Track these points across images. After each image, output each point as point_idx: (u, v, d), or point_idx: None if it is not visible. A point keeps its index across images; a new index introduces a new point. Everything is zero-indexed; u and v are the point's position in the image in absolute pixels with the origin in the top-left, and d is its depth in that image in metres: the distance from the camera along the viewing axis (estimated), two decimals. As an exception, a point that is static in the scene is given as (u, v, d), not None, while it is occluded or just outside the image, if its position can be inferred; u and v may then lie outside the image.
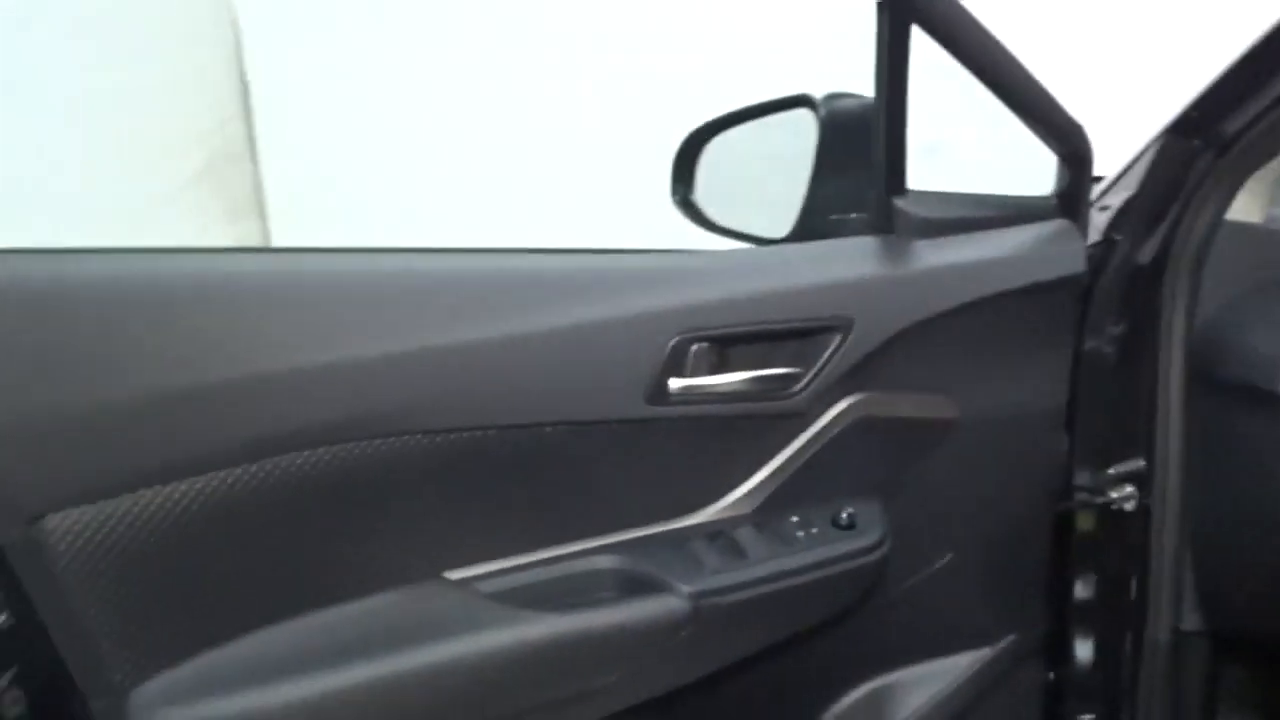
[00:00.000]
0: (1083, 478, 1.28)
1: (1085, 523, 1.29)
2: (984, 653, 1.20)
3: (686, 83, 2.54)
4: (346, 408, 0.87)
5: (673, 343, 0.96)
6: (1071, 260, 1.08)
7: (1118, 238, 1.28)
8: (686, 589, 0.96)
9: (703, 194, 1.34)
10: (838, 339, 1.01)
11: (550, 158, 3.16)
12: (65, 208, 2.40)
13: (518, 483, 0.96)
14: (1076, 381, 1.28)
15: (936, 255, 1.06)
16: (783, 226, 1.21)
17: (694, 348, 0.98)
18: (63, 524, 0.79)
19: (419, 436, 0.90)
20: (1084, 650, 1.30)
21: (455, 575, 0.96)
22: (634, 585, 0.98)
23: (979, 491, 1.16)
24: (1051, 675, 1.34)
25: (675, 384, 0.98)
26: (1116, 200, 1.29)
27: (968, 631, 1.20)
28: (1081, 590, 1.30)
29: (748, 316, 0.99)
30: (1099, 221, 1.32)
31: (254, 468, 0.85)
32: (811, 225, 1.19)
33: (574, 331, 0.93)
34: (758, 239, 1.26)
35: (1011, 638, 1.21)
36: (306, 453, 0.87)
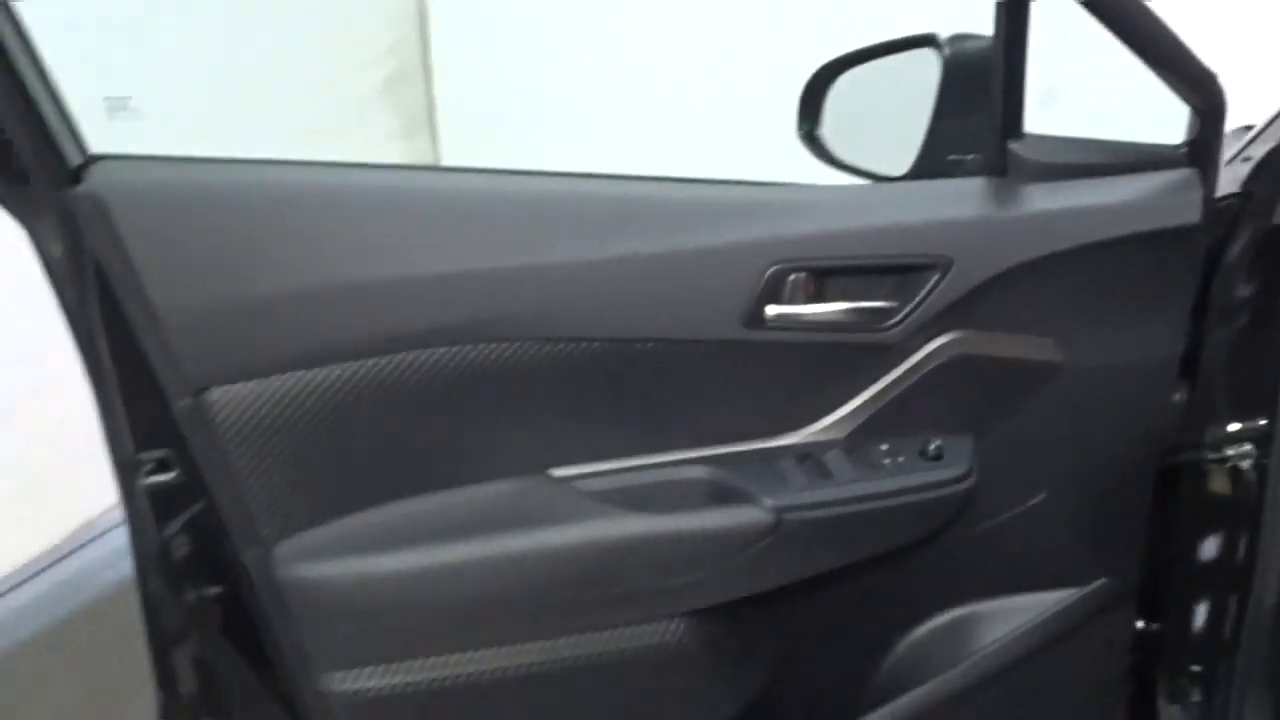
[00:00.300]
0: (1199, 433, 1.27)
1: (1197, 478, 1.29)
2: (1071, 593, 1.23)
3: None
4: (470, 312, 0.98)
5: (770, 271, 1.01)
6: (1188, 210, 1.07)
7: (1255, 191, 1.25)
8: (770, 502, 1.03)
9: (828, 130, 1.37)
10: (935, 277, 1.05)
11: (721, 87, 3.18)
12: (251, 123, 2.61)
13: (621, 393, 1.04)
14: (1200, 335, 1.26)
15: (1046, 199, 1.07)
16: (902, 165, 1.24)
17: (791, 277, 1.03)
18: (224, 398, 0.93)
19: (534, 344, 1.00)
20: (1182, 606, 1.31)
21: (559, 473, 1.06)
22: (721, 495, 1.06)
23: (1079, 436, 1.18)
24: (1143, 626, 1.35)
25: (772, 311, 1.03)
26: (1259, 152, 1.26)
27: (1056, 571, 1.23)
28: (1184, 545, 1.30)
29: (845, 250, 1.03)
30: (1240, 173, 1.29)
31: (389, 360, 0.97)
32: (929, 165, 1.22)
33: (678, 255, 1.00)
34: (877, 176, 1.29)
35: (1101, 582, 1.23)
36: (435, 350, 0.98)
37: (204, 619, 1.02)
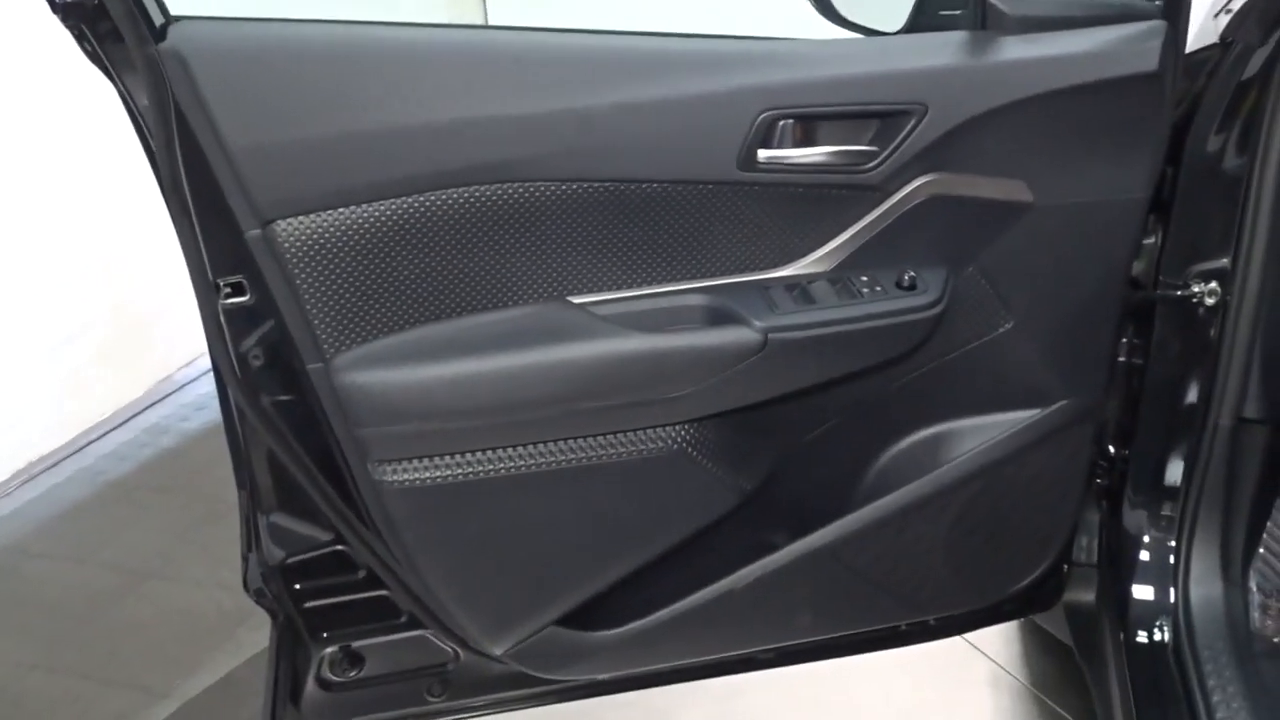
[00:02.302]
0: (1169, 273, 1.38)
1: (1166, 312, 1.40)
2: (1036, 412, 1.37)
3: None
4: (497, 154, 1.12)
5: (761, 117, 1.14)
6: (1146, 58, 1.16)
7: (1231, 41, 1.33)
8: (758, 323, 1.18)
9: (835, -13, 1.46)
10: (912, 122, 1.16)
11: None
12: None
13: (629, 230, 1.19)
14: (1174, 180, 1.36)
15: (1018, 49, 1.17)
16: (897, 21, 1.34)
17: (781, 123, 1.15)
18: (289, 229, 1.09)
19: (551, 184, 1.14)
20: (1150, 430, 1.44)
21: (577, 300, 1.21)
22: (716, 318, 1.21)
23: (1046, 270, 1.30)
24: (1115, 451, 1.49)
25: (764, 154, 1.16)
26: (1239, 3, 1.33)
27: (1023, 393, 1.37)
28: (1153, 375, 1.43)
29: (830, 98, 1.15)
30: (1222, 25, 1.37)
31: (429, 197, 1.12)
32: (922, 21, 1.31)
33: (677, 102, 1.13)
34: (874, 32, 1.39)
35: (1065, 402, 1.36)
36: (468, 189, 1.12)
37: (276, 423, 1.20)
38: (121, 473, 3.04)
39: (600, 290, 1.21)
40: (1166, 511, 1.41)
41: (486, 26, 1.12)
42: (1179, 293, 1.35)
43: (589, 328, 1.19)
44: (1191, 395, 1.38)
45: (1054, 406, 1.37)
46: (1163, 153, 1.26)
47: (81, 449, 3.18)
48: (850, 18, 1.45)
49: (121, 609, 2.42)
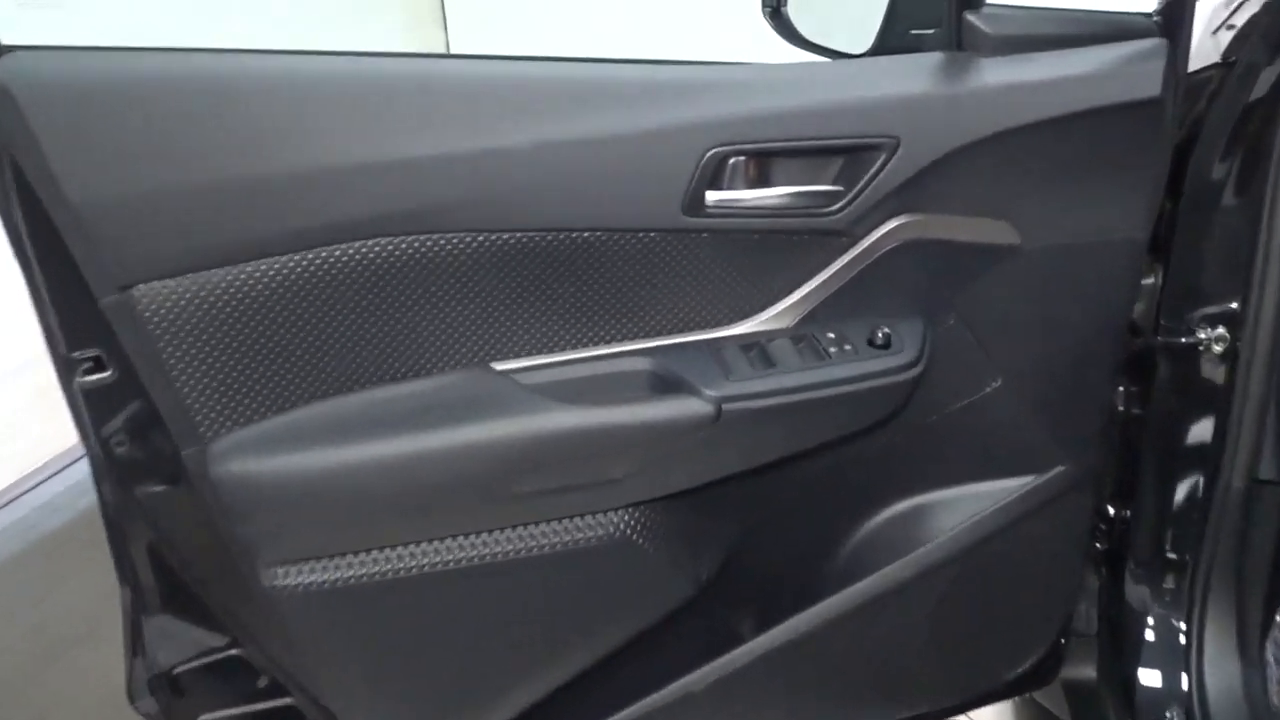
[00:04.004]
0: (1170, 316, 1.24)
1: (1168, 361, 1.26)
2: (1028, 480, 1.22)
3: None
4: (406, 202, 0.96)
5: (709, 154, 0.98)
6: (1147, 82, 1.02)
7: (1236, 61, 1.19)
8: (710, 391, 1.02)
9: (795, 6, 1.32)
10: (882, 158, 1.01)
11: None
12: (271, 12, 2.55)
13: (560, 285, 1.03)
14: (1173, 214, 1.22)
15: (1000, 73, 1.03)
16: (864, 42, 1.19)
17: (731, 161, 1.00)
18: (151, 293, 0.92)
19: (468, 235, 0.98)
20: (1151, 491, 1.30)
21: (501, 366, 1.05)
22: (662, 387, 1.05)
23: (1037, 320, 1.15)
24: (1114, 512, 1.34)
25: (712, 196, 1.01)
26: (1243, 19, 1.19)
27: (1012, 459, 1.22)
28: (1154, 430, 1.28)
29: (787, 131, 1.00)
30: (1223, 43, 1.23)
31: (323, 253, 0.95)
32: (890, 41, 1.16)
33: (612, 140, 0.97)
34: (839, 54, 1.24)
35: (1060, 469, 1.21)
36: (371, 242, 0.96)
37: (152, 516, 1.04)
38: (54, 526, 2.85)
39: (527, 354, 1.06)
40: (1173, 583, 1.27)
41: (382, 54, 0.96)
42: (1182, 339, 1.21)
43: (515, 400, 1.03)
44: (1199, 453, 1.24)
45: (1049, 473, 1.22)
46: (1163, 186, 1.12)
47: (14, 499, 2.99)
48: (810, 38, 1.30)
49: (46, 680, 2.24)
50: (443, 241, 0.98)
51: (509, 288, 1.02)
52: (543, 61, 0.99)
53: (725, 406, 1.02)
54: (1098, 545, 1.37)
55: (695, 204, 1.00)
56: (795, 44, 1.31)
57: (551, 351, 1.06)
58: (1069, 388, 1.19)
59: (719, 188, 1.01)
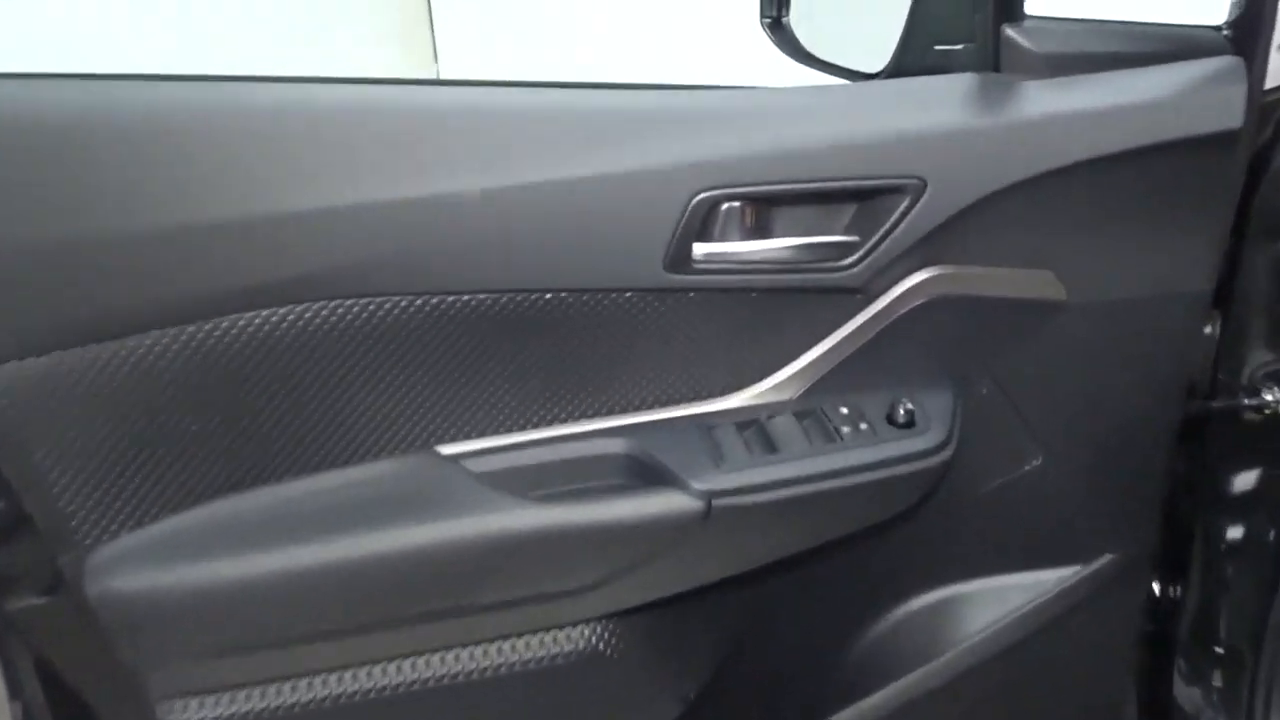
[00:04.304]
0: (1233, 374, 1.07)
1: (1228, 425, 1.09)
2: (1072, 571, 1.04)
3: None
4: (320, 261, 0.78)
5: (697, 200, 0.81)
6: (1227, 110, 0.85)
7: None
8: (698, 485, 0.84)
9: (797, 17, 1.15)
10: (905, 202, 0.84)
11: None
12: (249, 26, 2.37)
13: (517, 353, 0.86)
14: (1237, 262, 1.05)
15: (1047, 100, 0.86)
16: (879, 59, 1.02)
17: (724, 207, 0.83)
18: (8, 376, 0.75)
19: (406, 298, 0.81)
20: (1207, 574, 1.13)
21: (448, 450, 0.88)
22: (640, 474, 0.87)
23: (1085, 386, 0.98)
24: (1161, 591, 1.17)
25: (701, 249, 0.83)
26: None
27: (1055, 547, 1.04)
28: (1211, 503, 1.11)
29: (791, 172, 0.82)
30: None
31: (221, 324, 0.78)
32: (911, 59, 0.99)
33: (581, 184, 0.80)
34: (853, 74, 1.07)
35: (1110, 557, 1.04)
36: (278, 310, 0.79)
37: (31, 631, 0.86)
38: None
39: (480, 435, 0.88)
40: (1227, 682, 1.10)
41: (293, 79, 0.76)
42: (1245, 400, 1.04)
43: (464, 493, 0.85)
44: (1263, 534, 1.07)
45: (1096, 562, 1.04)
46: (1229, 230, 0.95)
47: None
48: (817, 54, 1.13)
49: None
50: (372, 306, 0.81)
51: (456, 358, 0.85)
52: (491, 87, 0.82)
53: (716, 502, 0.85)
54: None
55: (681, 258, 0.83)
56: (800, 61, 1.14)
57: (509, 431, 0.89)
58: (1120, 465, 1.02)
59: (709, 239, 0.84)
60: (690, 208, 0.81)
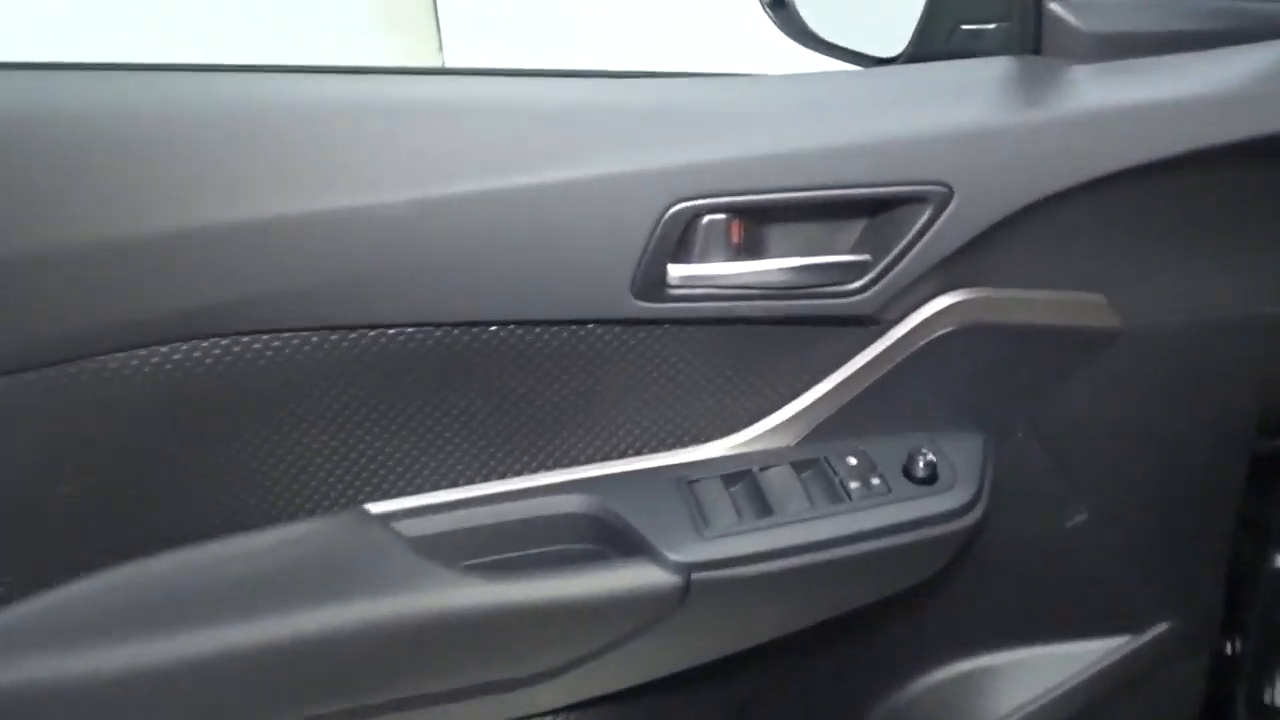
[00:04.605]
0: None
1: None
2: (1121, 642, 0.90)
3: None
4: (216, 290, 0.64)
5: (671, 212, 0.66)
6: None
7: None
8: (675, 556, 0.70)
9: (804, -7, 0.99)
10: (926, 214, 0.69)
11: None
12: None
13: (459, 396, 0.71)
14: None
15: (1098, 89, 0.70)
16: (896, 42, 0.86)
17: (705, 221, 0.68)
18: None
19: (321, 333, 0.67)
20: (1258, 624, 0.98)
21: (378, 509, 0.73)
22: (605, 541, 0.73)
23: (1140, 429, 0.83)
24: (1214, 663, 1.02)
25: (677, 272, 0.69)
26: None
27: (1102, 613, 0.90)
28: (1270, 549, 0.96)
29: (787, 178, 0.67)
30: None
31: (87, 366, 0.64)
32: (935, 40, 0.83)
33: (528, 194, 0.65)
34: (864, 58, 0.91)
35: (1165, 626, 0.89)
36: (159, 349, 0.65)
37: None
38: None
39: (416, 491, 0.74)
40: None
41: (159, 66, 0.60)
42: None
43: (394, 562, 0.71)
44: None
45: (1149, 632, 0.90)
46: None
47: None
48: (824, 35, 0.97)
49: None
50: (278, 343, 0.66)
51: (382, 401, 0.71)
52: (416, 75, 0.67)
53: (696, 576, 0.70)
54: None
55: (652, 283, 0.68)
56: (804, 43, 0.99)
57: (449, 487, 0.74)
58: (1180, 519, 0.87)
59: (687, 259, 0.69)
60: (663, 221, 0.66)
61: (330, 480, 0.72)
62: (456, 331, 0.68)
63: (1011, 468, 0.81)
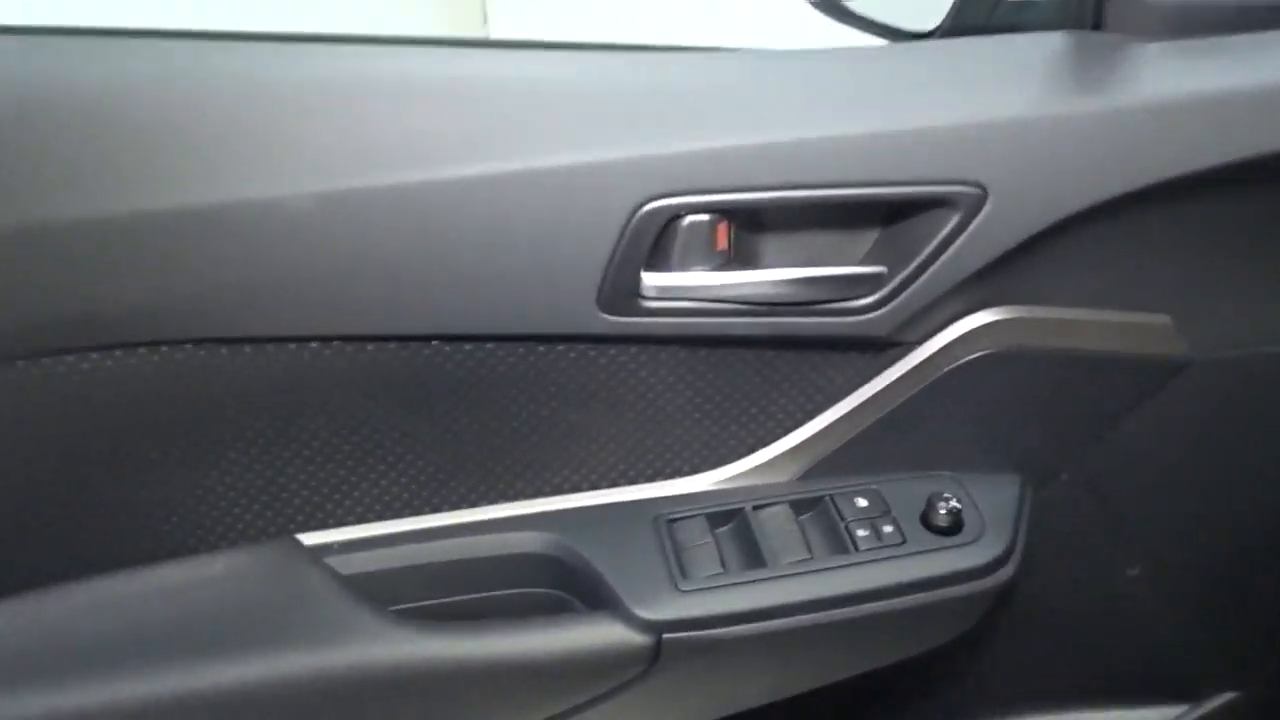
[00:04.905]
0: None
1: None
2: (1179, 712, 0.78)
3: None
4: (124, 294, 0.55)
5: (644, 211, 0.56)
6: None
7: None
8: (645, 613, 0.60)
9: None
10: (954, 220, 0.57)
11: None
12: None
13: (398, 419, 0.62)
14: None
15: (1168, 73, 0.58)
16: (933, 15, 0.74)
17: (686, 223, 0.57)
18: None
19: (228, 346, 0.57)
20: None
21: (312, 540, 0.64)
22: (565, 585, 0.63)
23: (1207, 472, 0.71)
24: None
25: (653, 281, 0.58)
26: None
27: (1156, 680, 0.78)
28: None
29: (787, 174, 0.56)
30: None
31: None
32: (977, 12, 0.71)
33: (472, 187, 0.55)
34: (891, 31, 0.79)
35: (1229, 697, 0.77)
36: (40, 361, 0.56)
37: None
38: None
39: (353, 521, 0.65)
40: None
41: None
42: None
43: (325, 604, 0.62)
44: None
45: (1212, 702, 0.78)
46: None
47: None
48: (863, 11, 0.86)
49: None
50: (187, 358, 0.57)
51: (318, 420, 0.61)
52: (332, 43, 0.57)
53: (669, 637, 0.60)
54: None
55: (622, 295, 0.58)
56: (839, 19, 0.87)
57: (391, 518, 0.65)
58: (1248, 576, 0.74)
59: (664, 267, 0.58)
60: (634, 222, 0.56)
61: (258, 506, 0.63)
62: (393, 347, 0.59)
63: (1054, 515, 0.70)
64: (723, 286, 0.59)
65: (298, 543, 0.64)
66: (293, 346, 0.58)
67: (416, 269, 0.56)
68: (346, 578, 0.63)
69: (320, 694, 0.60)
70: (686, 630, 0.60)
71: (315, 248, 0.55)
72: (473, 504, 0.65)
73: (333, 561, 0.63)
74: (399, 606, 0.64)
